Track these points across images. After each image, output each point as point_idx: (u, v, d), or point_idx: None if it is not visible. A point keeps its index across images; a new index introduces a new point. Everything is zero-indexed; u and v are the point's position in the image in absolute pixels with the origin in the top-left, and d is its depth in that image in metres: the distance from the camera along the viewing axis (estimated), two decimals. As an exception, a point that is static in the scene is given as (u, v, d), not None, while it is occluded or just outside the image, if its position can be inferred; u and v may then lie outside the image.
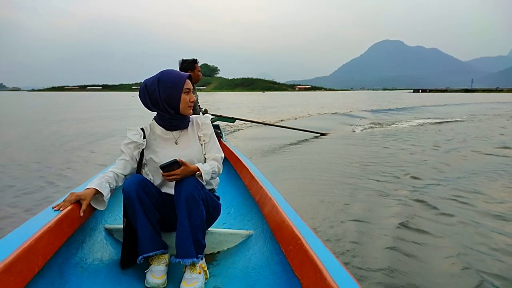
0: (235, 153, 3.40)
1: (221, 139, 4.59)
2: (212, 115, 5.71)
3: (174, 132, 1.90)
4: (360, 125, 12.83)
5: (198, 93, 4.36)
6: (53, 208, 1.62)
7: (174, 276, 1.73)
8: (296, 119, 16.80)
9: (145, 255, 1.68)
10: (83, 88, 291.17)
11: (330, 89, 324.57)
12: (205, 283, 1.68)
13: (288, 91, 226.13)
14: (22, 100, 52.21)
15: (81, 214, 1.65)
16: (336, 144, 8.85)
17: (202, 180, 1.73)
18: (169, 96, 1.78)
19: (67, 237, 1.59)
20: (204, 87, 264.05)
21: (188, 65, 3.75)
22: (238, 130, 11.92)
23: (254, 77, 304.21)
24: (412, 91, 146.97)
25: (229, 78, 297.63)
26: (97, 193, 1.72)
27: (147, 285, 1.65)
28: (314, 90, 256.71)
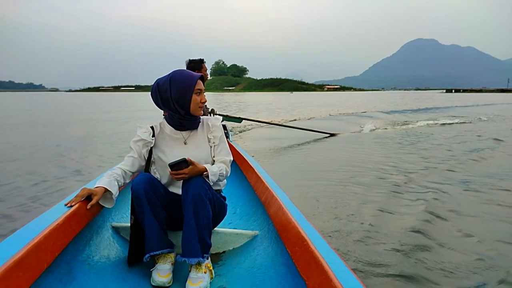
0: (241, 153, 3.44)
1: (228, 139, 4.58)
2: (219, 115, 5.80)
3: (184, 132, 1.91)
4: (372, 125, 12.57)
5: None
6: (65, 204, 1.65)
7: (179, 275, 1.74)
8: (330, 115, 17.06)
9: (151, 254, 1.70)
10: (117, 88, 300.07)
11: (360, 89, 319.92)
12: (210, 282, 1.68)
13: (317, 91, 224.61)
14: (63, 100, 54.79)
15: (88, 207, 1.68)
16: (346, 144, 8.77)
17: (209, 181, 1.74)
18: (180, 96, 1.78)
19: (75, 235, 1.62)
20: (233, 88, 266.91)
21: (195, 65, 3.74)
22: (245, 130, 11.88)
23: (283, 77, 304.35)
24: (445, 91, 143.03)
25: (258, 79, 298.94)
26: (106, 191, 1.74)
27: (153, 283, 1.67)
28: (344, 90, 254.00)
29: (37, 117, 19.24)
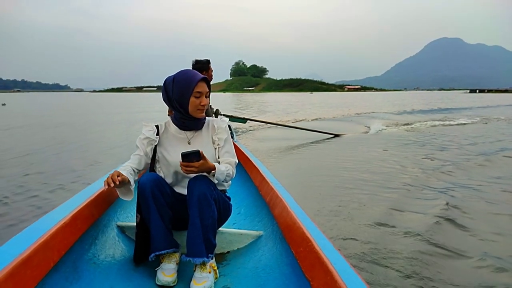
0: (246, 154, 3.45)
1: (233, 139, 4.43)
2: (224, 115, 5.75)
3: (188, 132, 1.91)
4: (379, 126, 12.23)
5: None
6: (105, 187, 1.63)
7: (184, 275, 1.75)
8: (348, 115, 17.26)
9: (157, 253, 1.71)
10: (139, 89, 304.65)
11: (381, 90, 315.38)
12: (214, 282, 1.69)
13: (337, 91, 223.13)
14: (90, 101, 56.60)
15: (117, 182, 1.63)
16: (349, 146, 8.73)
17: (216, 179, 1.73)
18: (180, 97, 1.79)
19: (81, 234, 1.64)
20: (252, 88, 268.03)
21: (202, 65, 3.70)
22: (250, 131, 11.87)
23: (303, 78, 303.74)
24: (468, 91, 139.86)
25: (278, 79, 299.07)
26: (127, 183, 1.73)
27: (158, 283, 1.67)
28: (364, 91, 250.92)
29: (72, 117, 20.01)
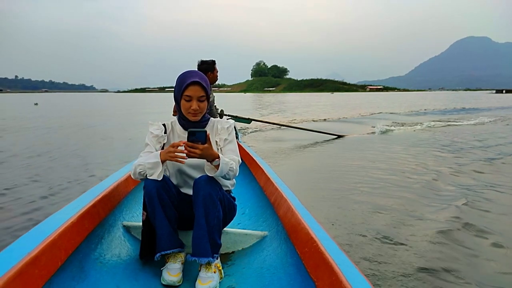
0: (250, 154, 3.43)
1: (237, 140, 4.36)
2: (228, 115, 5.69)
3: None
4: (384, 127, 11.83)
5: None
6: (183, 160, 1.63)
7: (189, 275, 1.75)
8: (361, 115, 16.76)
9: (162, 253, 1.72)
10: (162, 89, 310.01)
11: (404, 90, 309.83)
12: (219, 282, 1.69)
13: (359, 91, 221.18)
14: (116, 101, 57.82)
15: (184, 149, 1.61)
16: (352, 146, 8.68)
17: (218, 169, 1.66)
18: (175, 96, 1.83)
19: (88, 233, 1.66)
20: (273, 88, 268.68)
21: (207, 66, 3.67)
22: (254, 131, 11.90)
23: (324, 78, 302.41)
24: (494, 91, 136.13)
25: (298, 79, 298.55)
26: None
27: (163, 282, 1.68)
28: (387, 91, 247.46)
29: (104, 118, 20.39)
